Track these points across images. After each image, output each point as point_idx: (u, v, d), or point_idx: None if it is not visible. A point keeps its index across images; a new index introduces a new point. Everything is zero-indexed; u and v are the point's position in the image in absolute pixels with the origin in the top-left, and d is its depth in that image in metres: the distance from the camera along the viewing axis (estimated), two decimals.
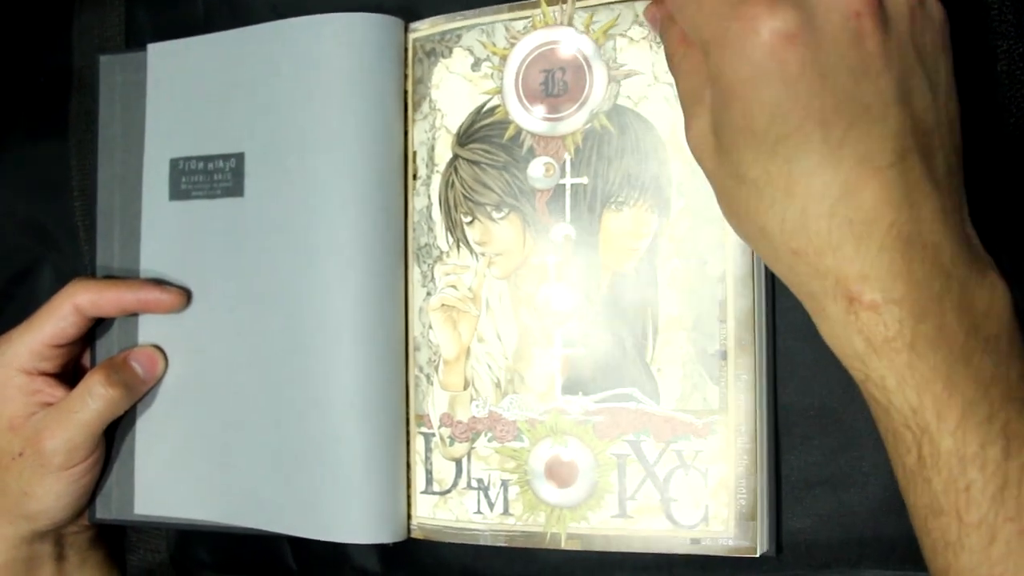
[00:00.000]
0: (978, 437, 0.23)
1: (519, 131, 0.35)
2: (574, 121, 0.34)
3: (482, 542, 0.36)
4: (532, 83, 0.35)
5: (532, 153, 0.35)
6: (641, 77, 0.33)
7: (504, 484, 0.35)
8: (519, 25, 0.35)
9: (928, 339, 0.24)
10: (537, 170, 0.35)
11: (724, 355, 0.32)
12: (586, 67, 0.34)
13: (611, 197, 0.34)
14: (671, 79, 0.31)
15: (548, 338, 0.35)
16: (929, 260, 0.24)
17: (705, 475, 0.33)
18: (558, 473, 0.34)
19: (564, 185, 0.34)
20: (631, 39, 0.34)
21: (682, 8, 0.26)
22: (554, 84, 0.34)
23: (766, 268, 0.34)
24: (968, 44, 0.34)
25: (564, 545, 0.34)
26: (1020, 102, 0.34)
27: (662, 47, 0.31)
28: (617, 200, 0.34)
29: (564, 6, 0.34)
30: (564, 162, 0.34)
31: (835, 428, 0.34)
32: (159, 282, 0.39)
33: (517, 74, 0.35)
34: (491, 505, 0.35)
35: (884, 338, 0.24)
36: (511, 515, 0.35)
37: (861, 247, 0.24)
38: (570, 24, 0.34)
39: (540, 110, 0.35)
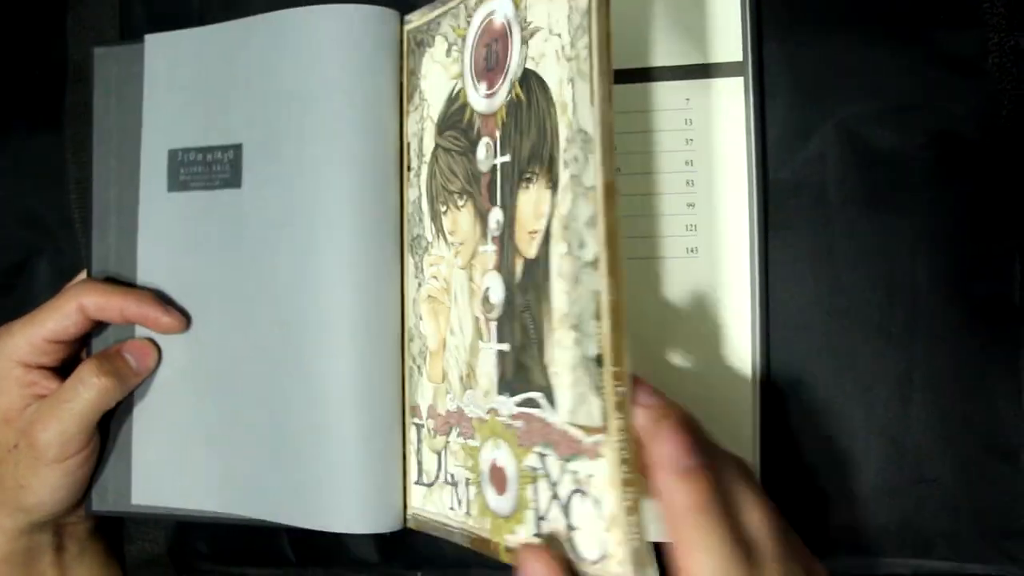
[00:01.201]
0: None
1: (472, 112, 0.32)
2: (501, 94, 0.31)
3: (453, 539, 0.34)
4: (479, 60, 0.32)
5: (479, 134, 0.32)
6: (540, 33, 0.29)
7: (467, 482, 0.33)
8: (473, 2, 0.33)
9: None
10: (482, 152, 0.32)
11: (600, 361, 0.26)
12: (508, 33, 0.30)
13: (522, 173, 0.29)
14: (560, 28, 0.28)
15: (487, 331, 0.31)
16: None
17: (598, 505, 0.26)
18: (496, 478, 0.31)
19: (496, 165, 0.31)
20: None
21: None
22: (491, 56, 0.31)
23: (760, 262, 0.34)
24: (960, 36, 0.34)
25: (502, 557, 0.30)
26: (1012, 95, 0.34)
27: None
28: (525, 176, 0.29)
29: None
30: (496, 140, 0.31)
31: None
32: (164, 299, 0.39)
33: (471, 53, 0.33)
34: (459, 502, 0.33)
35: None
36: (470, 516, 0.33)
37: None
38: None
39: (483, 87, 0.32)
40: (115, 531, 0.44)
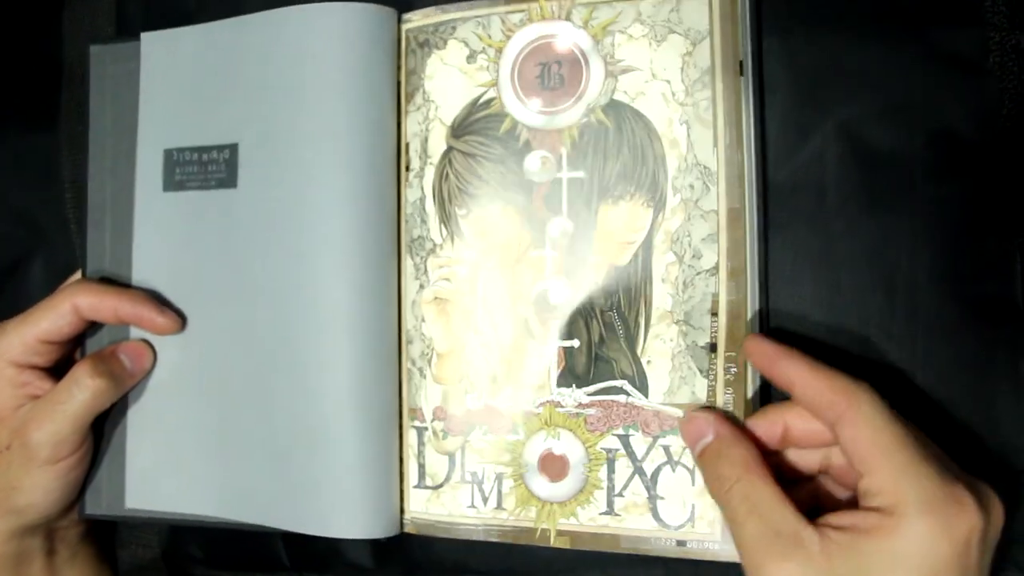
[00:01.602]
0: None
1: (515, 124, 0.35)
2: (570, 115, 0.34)
3: (475, 537, 0.35)
4: (528, 76, 0.35)
5: (528, 147, 0.35)
6: (639, 73, 0.34)
7: (499, 477, 0.35)
8: (515, 18, 0.35)
9: None
10: (534, 164, 0.35)
11: (714, 348, 0.33)
12: (583, 61, 0.34)
13: (608, 191, 0.34)
14: (669, 76, 0.33)
15: (544, 331, 0.35)
16: None
17: (692, 472, 0.33)
18: (550, 467, 0.34)
19: (561, 179, 0.34)
20: (630, 36, 0.34)
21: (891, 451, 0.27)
22: (550, 77, 0.35)
23: (760, 262, 0.34)
24: (962, 35, 0.34)
25: (553, 542, 0.34)
26: (1013, 93, 0.34)
27: (661, 47, 0.33)
28: (613, 195, 0.34)
29: (562, 1, 0.35)
30: (561, 156, 0.34)
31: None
32: (159, 299, 0.38)
33: (513, 67, 0.35)
34: (485, 499, 0.35)
35: None
36: (504, 509, 0.35)
37: None
38: (568, 19, 0.35)
39: (536, 103, 0.35)
40: (108, 535, 0.44)
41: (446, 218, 0.36)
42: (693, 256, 0.33)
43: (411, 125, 0.37)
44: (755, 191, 0.35)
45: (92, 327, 0.39)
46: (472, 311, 0.36)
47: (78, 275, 0.41)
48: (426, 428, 0.36)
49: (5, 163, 0.45)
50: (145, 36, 0.40)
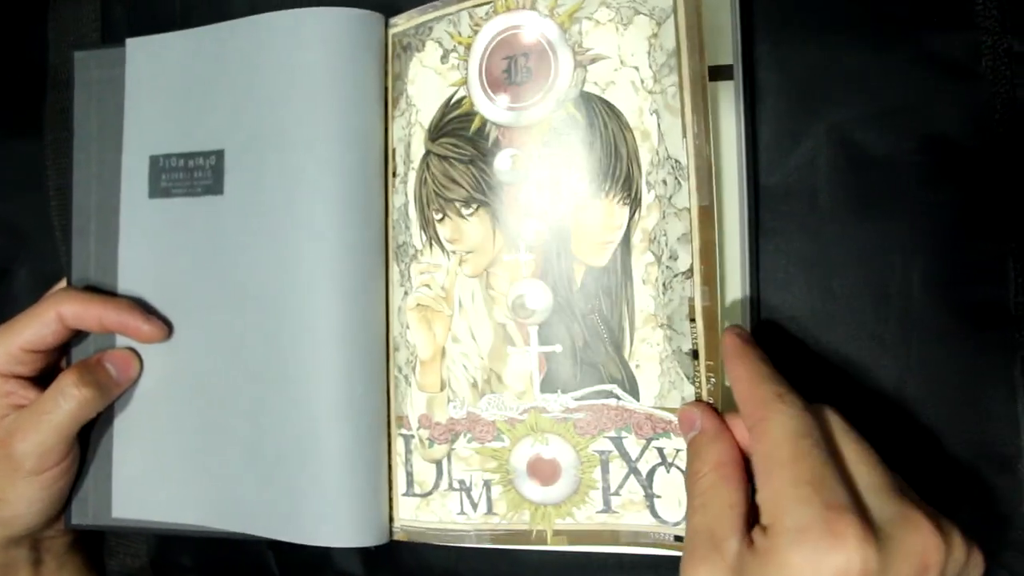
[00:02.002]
0: None
1: (484, 122, 0.33)
2: (539, 110, 0.32)
3: (467, 543, 0.35)
4: (495, 71, 0.33)
5: (498, 145, 0.33)
6: (607, 61, 0.31)
7: (486, 484, 0.35)
8: (481, 11, 0.33)
9: None
10: (504, 163, 0.33)
11: (696, 355, 0.31)
12: (550, 52, 0.32)
13: (582, 189, 0.32)
14: (637, 62, 0.30)
15: (524, 336, 0.34)
16: None
17: (686, 473, 0.32)
18: (540, 471, 0.34)
19: (533, 178, 0.33)
20: (597, 22, 0.31)
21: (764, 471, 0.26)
22: (517, 71, 0.33)
23: (750, 266, 0.33)
24: (953, 39, 0.34)
25: (550, 542, 0.34)
26: (1005, 97, 0.34)
27: (627, 30, 0.30)
28: (588, 193, 0.32)
29: None
30: (531, 154, 0.33)
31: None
32: (145, 307, 0.38)
33: (481, 62, 0.33)
34: (474, 505, 0.35)
35: None
36: (495, 514, 0.35)
37: None
38: (533, 7, 0.33)
39: (504, 99, 0.33)
40: (95, 545, 0.43)
41: (425, 223, 0.35)
42: (670, 257, 0.31)
43: (396, 130, 0.36)
44: (746, 195, 0.34)
45: (77, 335, 0.39)
46: (450, 318, 0.35)
47: (63, 283, 0.40)
48: (413, 436, 0.36)
49: None
50: (130, 42, 0.39)
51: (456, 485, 0.35)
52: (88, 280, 0.40)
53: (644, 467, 0.33)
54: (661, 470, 0.32)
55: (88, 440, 0.39)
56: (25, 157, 0.44)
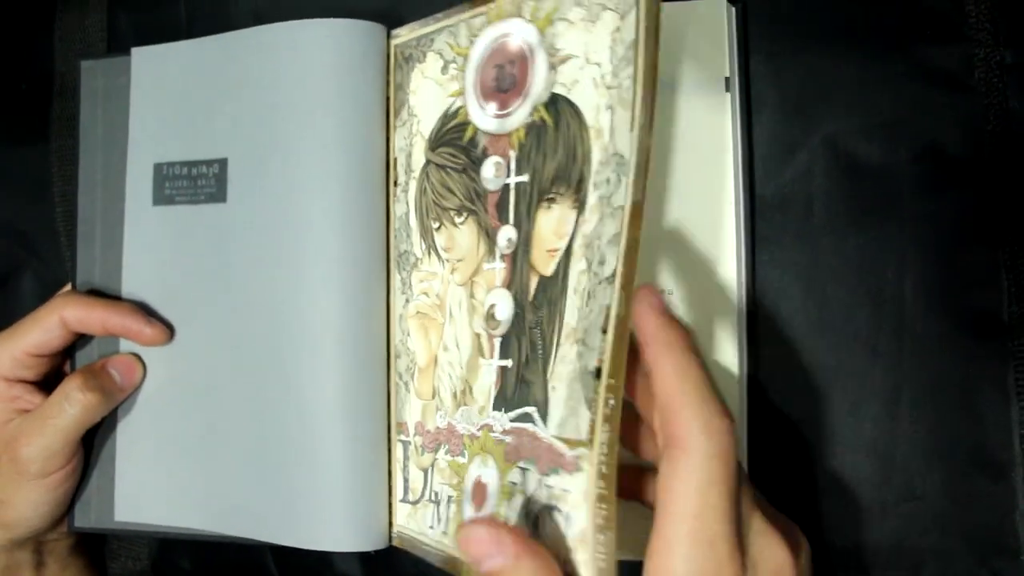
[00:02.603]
0: None
1: (476, 131, 0.33)
2: (518, 116, 0.31)
3: (428, 559, 0.33)
4: (487, 80, 0.32)
5: (485, 153, 0.32)
6: (575, 60, 0.30)
7: (449, 500, 0.33)
8: (477, 22, 0.33)
9: None
10: (489, 170, 0.32)
11: (598, 374, 0.26)
12: (529, 57, 0.31)
13: (544, 194, 0.30)
14: (600, 58, 0.29)
15: (491, 348, 0.32)
16: None
17: (567, 521, 0.27)
18: (478, 495, 0.31)
19: (509, 184, 0.31)
20: (570, 22, 0.30)
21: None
22: (504, 79, 0.32)
23: (747, 273, 0.33)
24: (945, 51, 0.34)
25: None
26: (998, 109, 0.34)
27: (595, 27, 0.29)
28: (547, 196, 0.30)
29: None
30: (510, 160, 0.31)
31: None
32: (147, 311, 0.38)
33: (476, 73, 0.33)
34: (439, 520, 0.33)
35: None
36: (447, 535, 0.33)
37: None
38: (519, 15, 0.32)
39: (492, 107, 0.32)
40: (97, 548, 0.44)
41: (424, 232, 0.35)
42: (599, 262, 0.27)
43: (398, 140, 0.37)
44: (742, 206, 0.35)
45: (81, 340, 0.39)
46: (442, 326, 0.34)
47: (68, 288, 0.41)
48: (410, 442, 0.36)
49: None
50: (136, 52, 0.40)
51: (433, 497, 0.34)
52: (92, 286, 0.40)
53: (535, 507, 0.28)
54: (545, 515, 0.28)
55: (91, 444, 0.39)
56: (31, 163, 0.45)
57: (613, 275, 0.26)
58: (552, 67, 0.30)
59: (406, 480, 0.36)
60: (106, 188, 0.40)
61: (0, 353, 0.37)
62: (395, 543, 0.36)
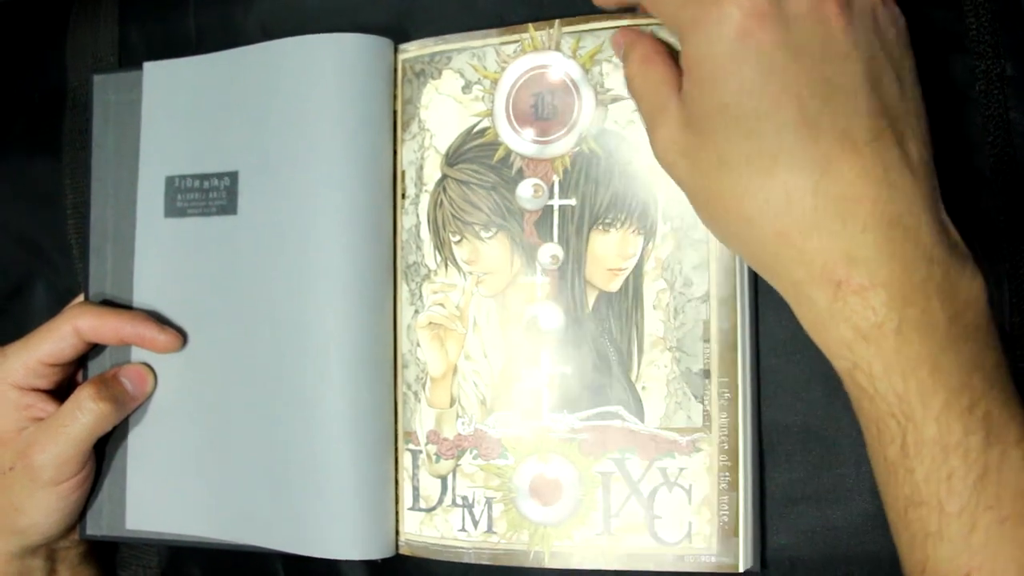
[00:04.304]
0: (961, 425, 0.24)
1: (509, 152, 0.36)
2: (563, 144, 0.35)
3: (466, 560, 0.36)
4: (523, 106, 0.35)
5: (521, 174, 0.35)
6: (627, 102, 0.34)
7: (488, 502, 0.35)
8: (509, 49, 0.36)
9: (914, 324, 0.24)
10: (526, 191, 0.35)
11: (707, 374, 0.33)
12: (574, 91, 0.35)
13: (599, 219, 0.34)
14: None
15: (535, 357, 0.35)
16: (911, 243, 0.25)
17: (689, 492, 0.33)
18: (542, 491, 0.35)
19: (552, 206, 0.35)
20: (616, 64, 0.34)
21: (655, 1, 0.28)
22: (544, 107, 0.35)
23: (750, 288, 0.34)
24: (946, 64, 0.35)
25: (547, 563, 0.35)
26: (998, 122, 0.34)
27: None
28: (604, 221, 0.34)
29: (551, 31, 0.35)
30: (553, 184, 0.35)
31: (818, 445, 0.34)
32: (159, 320, 0.39)
33: (508, 97, 0.36)
34: (475, 523, 0.35)
35: (871, 323, 0.25)
36: (495, 533, 0.35)
37: (847, 225, 0.25)
38: (557, 49, 0.35)
39: (530, 133, 0.35)
40: (108, 556, 0.44)
41: (440, 244, 0.36)
42: (684, 283, 0.33)
43: (407, 153, 0.37)
44: None
45: (94, 349, 0.40)
46: (464, 336, 0.36)
47: (80, 299, 0.41)
48: (420, 451, 0.36)
49: (9, 188, 0.46)
50: (147, 66, 0.40)
51: (459, 501, 0.36)
52: (104, 297, 0.40)
53: (646, 488, 0.33)
54: (663, 490, 0.33)
55: (103, 452, 0.40)
56: (44, 176, 0.45)
57: (706, 295, 0.33)
58: (602, 104, 0.34)
59: (415, 489, 0.36)
60: (118, 200, 0.41)
61: (14, 362, 0.38)
62: (402, 551, 0.37)
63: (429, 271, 0.36)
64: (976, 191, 0.34)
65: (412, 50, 0.37)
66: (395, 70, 0.38)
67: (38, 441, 0.37)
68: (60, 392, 0.39)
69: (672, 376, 0.33)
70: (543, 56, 0.35)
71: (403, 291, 0.37)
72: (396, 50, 0.38)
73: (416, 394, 0.36)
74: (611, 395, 0.34)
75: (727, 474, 0.33)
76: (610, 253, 0.34)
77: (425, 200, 0.37)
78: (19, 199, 0.46)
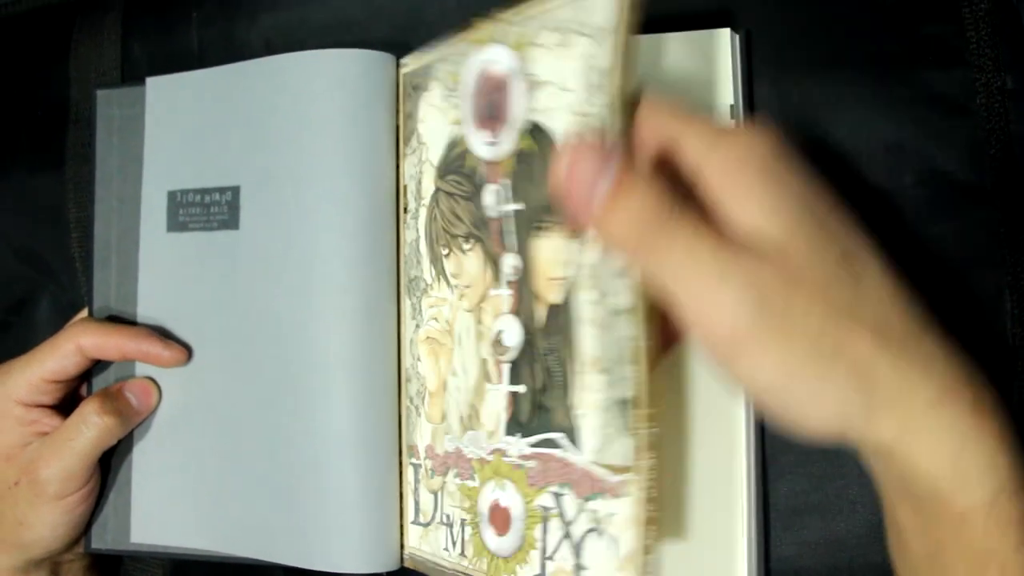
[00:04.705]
0: None
1: (475, 159, 0.33)
2: (507, 144, 0.31)
3: None
4: (480, 107, 0.32)
5: (483, 180, 0.32)
6: (549, 87, 0.29)
7: (463, 524, 0.33)
8: (465, 48, 0.33)
9: None
10: (488, 198, 0.32)
11: (635, 403, 0.27)
12: (509, 83, 0.31)
13: (536, 222, 0.30)
14: (574, 85, 0.28)
15: (499, 373, 0.32)
16: None
17: (616, 543, 0.27)
18: (497, 518, 0.32)
19: (508, 212, 0.31)
20: (545, 47, 0.29)
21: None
22: (492, 106, 0.32)
23: None
24: (947, 78, 0.35)
25: None
26: (999, 133, 0.34)
27: (568, 53, 0.28)
28: (542, 226, 0.30)
29: (497, 23, 0.31)
30: (507, 187, 0.31)
31: (821, 456, 0.34)
32: (163, 335, 0.39)
33: (470, 100, 0.33)
34: (454, 543, 0.34)
35: None
36: (465, 556, 0.33)
37: None
38: (500, 40, 0.31)
39: (485, 135, 0.32)
40: (113, 569, 0.44)
41: (434, 258, 0.35)
42: (611, 294, 0.28)
43: (408, 167, 0.37)
44: None
45: (98, 363, 0.40)
46: (452, 351, 0.34)
47: (84, 313, 0.41)
48: (420, 465, 0.36)
49: (12, 203, 0.46)
50: (150, 81, 0.40)
51: (445, 520, 0.34)
52: (108, 311, 0.41)
53: (577, 531, 0.28)
54: (592, 537, 0.28)
55: (108, 466, 0.40)
56: (47, 191, 0.45)
57: (628, 308, 0.27)
58: (529, 93, 0.30)
59: (417, 503, 0.36)
60: (121, 215, 0.41)
61: (18, 379, 0.38)
62: (407, 564, 0.37)
63: (427, 285, 0.36)
64: (978, 203, 0.34)
65: (411, 63, 0.37)
66: (397, 85, 0.38)
67: (43, 456, 0.37)
68: (65, 406, 0.39)
69: (606, 403, 0.28)
70: (490, 51, 0.32)
71: (406, 305, 0.37)
72: (399, 65, 0.38)
73: (417, 408, 0.36)
74: (555, 420, 0.30)
75: (651, 528, 0.26)
76: (549, 260, 0.30)
77: (423, 214, 0.36)
78: (22, 213, 0.46)
